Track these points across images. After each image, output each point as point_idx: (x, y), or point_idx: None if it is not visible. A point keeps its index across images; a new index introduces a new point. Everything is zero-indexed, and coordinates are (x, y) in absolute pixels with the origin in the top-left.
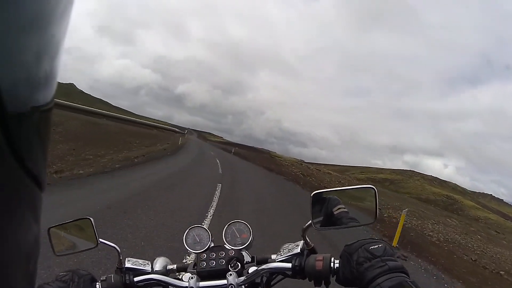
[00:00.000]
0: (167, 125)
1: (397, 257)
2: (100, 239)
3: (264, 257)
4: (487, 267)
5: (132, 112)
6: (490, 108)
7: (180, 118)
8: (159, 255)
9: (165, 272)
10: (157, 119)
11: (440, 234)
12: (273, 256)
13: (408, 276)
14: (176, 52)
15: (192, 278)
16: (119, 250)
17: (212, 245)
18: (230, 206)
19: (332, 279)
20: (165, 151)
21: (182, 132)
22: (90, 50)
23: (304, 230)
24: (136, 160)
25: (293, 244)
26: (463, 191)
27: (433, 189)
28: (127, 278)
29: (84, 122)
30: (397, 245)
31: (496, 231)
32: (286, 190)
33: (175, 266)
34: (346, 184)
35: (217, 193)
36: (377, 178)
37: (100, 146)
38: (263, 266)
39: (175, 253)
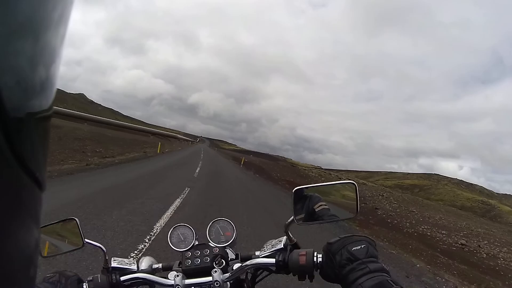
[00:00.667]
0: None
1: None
2: (85, 240)
3: (248, 254)
4: None
5: (143, 122)
6: (503, 107)
7: (194, 127)
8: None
9: (151, 271)
10: (169, 128)
11: None
12: (257, 253)
13: (390, 276)
14: (188, 61)
15: (177, 276)
16: (105, 250)
17: (197, 243)
18: None
19: (316, 273)
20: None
21: (194, 140)
22: (101, 61)
23: (287, 226)
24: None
25: (276, 240)
26: (490, 194)
27: (464, 194)
28: (114, 277)
29: (97, 129)
30: None
31: None
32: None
33: (160, 265)
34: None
35: None
36: (404, 185)
37: (115, 147)
38: (247, 262)
39: None
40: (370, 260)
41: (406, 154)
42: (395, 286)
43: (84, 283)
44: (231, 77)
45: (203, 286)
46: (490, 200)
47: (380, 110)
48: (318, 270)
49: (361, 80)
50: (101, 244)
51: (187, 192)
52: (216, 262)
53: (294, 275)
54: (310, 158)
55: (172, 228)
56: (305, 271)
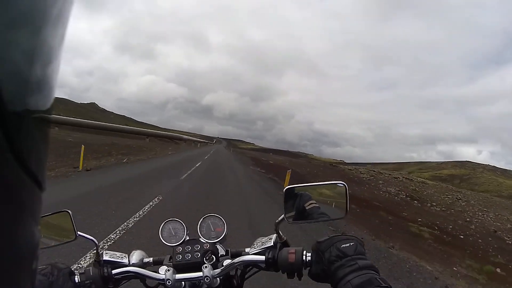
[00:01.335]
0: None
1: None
2: (78, 232)
3: (238, 250)
4: None
5: (158, 127)
6: None
7: (211, 128)
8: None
9: (142, 265)
10: (186, 131)
11: None
12: (247, 249)
13: (378, 273)
14: (199, 62)
15: (168, 270)
16: (97, 242)
17: (188, 238)
18: None
19: (304, 272)
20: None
21: (210, 141)
22: (112, 69)
23: (277, 224)
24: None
25: (266, 237)
26: None
27: (507, 182)
28: (105, 271)
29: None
30: None
31: None
32: None
33: (151, 259)
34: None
35: None
36: (443, 175)
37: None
38: (238, 259)
39: None
40: (359, 257)
41: (424, 142)
42: (383, 285)
43: (76, 276)
44: (244, 76)
45: (193, 281)
46: None
47: (395, 99)
48: (307, 269)
49: (375, 68)
50: (93, 237)
51: None
52: (207, 258)
53: (283, 272)
54: (329, 152)
55: (163, 223)
56: (294, 269)
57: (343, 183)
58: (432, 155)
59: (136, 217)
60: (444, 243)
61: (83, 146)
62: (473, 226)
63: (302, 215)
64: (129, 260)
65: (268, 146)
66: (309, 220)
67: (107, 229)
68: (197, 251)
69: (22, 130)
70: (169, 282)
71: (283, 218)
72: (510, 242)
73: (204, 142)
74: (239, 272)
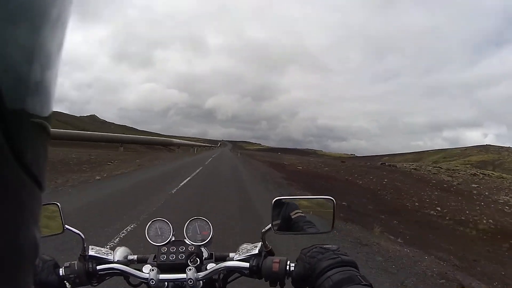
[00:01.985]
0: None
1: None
2: (66, 226)
3: (222, 255)
4: None
5: (161, 134)
6: None
7: (214, 132)
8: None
9: (126, 262)
10: (190, 136)
11: None
12: (231, 254)
13: (358, 271)
14: (198, 66)
15: (152, 270)
16: (83, 237)
17: (173, 239)
18: None
19: (288, 282)
20: None
21: (214, 145)
22: (111, 79)
23: (264, 233)
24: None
25: (252, 245)
26: None
27: None
28: (90, 266)
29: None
30: None
31: None
32: None
33: (135, 256)
34: None
35: None
36: (473, 162)
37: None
38: (222, 264)
39: None
40: (341, 252)
41: (430, 129)
42: (364, 282)
43: (61, 268)
44: (244, 76)
45: (176, 283)
46: None
47: (399, 88)
48: (290, 279)
49: (377, 59)
50: (80, 231)
51: None
52: (191, 260)
53: (266, 280)
54: (335, 146)
55: (150, 222)
56: (277, 278)
57: (332, 198)
58: (438, 142)
59: None
60: None
61: None
62: None
63: (288, 223)
64: (113, 257)
65: (273, 145)
66: (294, 231)
67: None
68: (182, 253)
69: (22, 130)
70: (152, 281)
71: (270, 228)
72: None
73: (207, 146)
74: (221, 276)
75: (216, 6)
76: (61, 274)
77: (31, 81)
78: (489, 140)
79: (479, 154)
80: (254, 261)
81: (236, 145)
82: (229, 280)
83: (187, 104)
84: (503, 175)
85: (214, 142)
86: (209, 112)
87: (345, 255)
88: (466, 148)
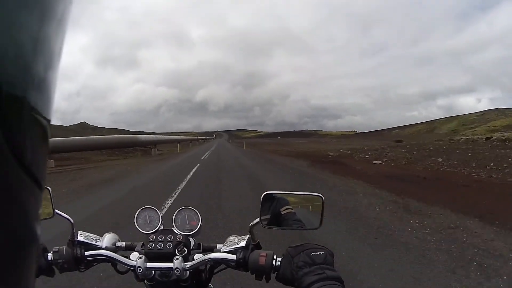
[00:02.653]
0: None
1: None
2: (56, 210)
3: (210, 246)
4: None
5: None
6: (508, 29)
7: (209, 124)
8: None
9: (114, 248)
10: (184, 131)
11: None
12: (219, 246)
13: (343, 286)
14: (185, 60)
15: (140, 258)
16: (73, 222)
17: (162, 228)
18: None
19: (273, 276)
20: None
21: (209, 137)
22: (99, 85)
23: (252, 227)
24: None
25: (240, 237)
26: None
27: None
28: (79, 251)
29: None
30: None
31: None
32: None
33: (123, 243)
34: None
35: None
36: (499, 128)
37: None
38: (210, 255)
39: None
40: (327, 267)
41: (424, 98)
42: None
43: (49, 253)
44: (232, 65)
45: (163, 271)
46: None
47: (389, 61)
48: (275, 273)
49: (363, 34)
50: (69, 216)
51: None
52: (179, 250)
53: (251, 273)
54: (331, 125)
55: (139, 210)
56: (263, 272)
57: (321, 195)
58: (432, 111)
59: None
60: None
61: None
62: None
63: (277, 219)
64: (102, 243)
65: (270, 130)
66: (283, 226)
67: None
68: (169, 242)
69: (22, 130)
70: (140, 269)
71: (258, 222)
72: None
73: (201, 139)
74: (208, 266)
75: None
76: (49, 258)
77: (35, 77)
78: (483, 105)
79: (500, 118)
80: (241, 253)
81: (233, 135)
82: (215, 271)
83: (178, 100)
84: None
85: (209, 134)
86: (201, 105)
87: (331, 270)
88: (483, 113)
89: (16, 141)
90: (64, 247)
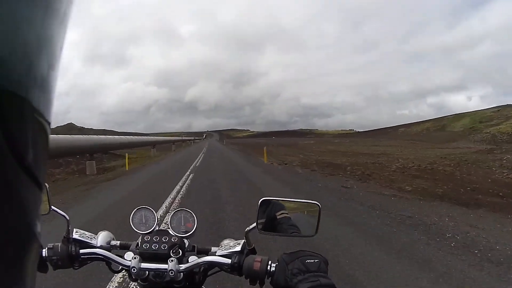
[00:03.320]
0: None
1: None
2: (52, 207)
3: (204, 248)
4: None
5: (145, 133)
6: (501, 25)
7: (199, 124)
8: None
9: (109, 247)
10: (174, 131)
11: None
12: (214, 249)
13: None
14: (174, 59)
15: (135, 258)
16: (68, 219)
17: (157, 228)
18: None
19: (267, 281)
20: None
21: (199, 138)
22: (87, 84)
23: (247, 232)
24: None
25: (235, 241)
26: None
27: None
28: (73, 249)
29: None
30: None
31: None
32: None
33: (118, 242)
34: None
35: None
36: None
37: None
38: (204, 258)
39: None
40: (322, 274)
41: (415, 96)
42: None
43: (44, 249)
44: (222, 63)
45: (157, 272)
46: None
47: (380, 58)
48: (270, 278)
49: (353, 31)
50: (66, 213)
51: None
52: (173, 251)
53: (246, 278)
54: (321, 124)
55: (135, 209)
56: (257, 277)
57: (318, 203)
58: (423, 109)
59: None
60: None
61: None
62: None
63: (273, 223)
64: (97, 242)
65: (262, 130)
66: (278, 232)
67: None
68: (164, 243)
69: (22, 130)
70: (134, 269)
71: (254, 227)
72: None
73: (188, 140)
74: (202, 268)
75: None
76: (44, 255)
77: (38, 76)
78: (474, 103)
79: None
80: (236, 258)
81: (223, 134)
82: (209, 273)
83: (168, 99)
84: None
85: (199, 134)
86: (191, 104)
87: (325, 277)
88: (499, 109)
89: (16, 141)
90: (59, 244)
